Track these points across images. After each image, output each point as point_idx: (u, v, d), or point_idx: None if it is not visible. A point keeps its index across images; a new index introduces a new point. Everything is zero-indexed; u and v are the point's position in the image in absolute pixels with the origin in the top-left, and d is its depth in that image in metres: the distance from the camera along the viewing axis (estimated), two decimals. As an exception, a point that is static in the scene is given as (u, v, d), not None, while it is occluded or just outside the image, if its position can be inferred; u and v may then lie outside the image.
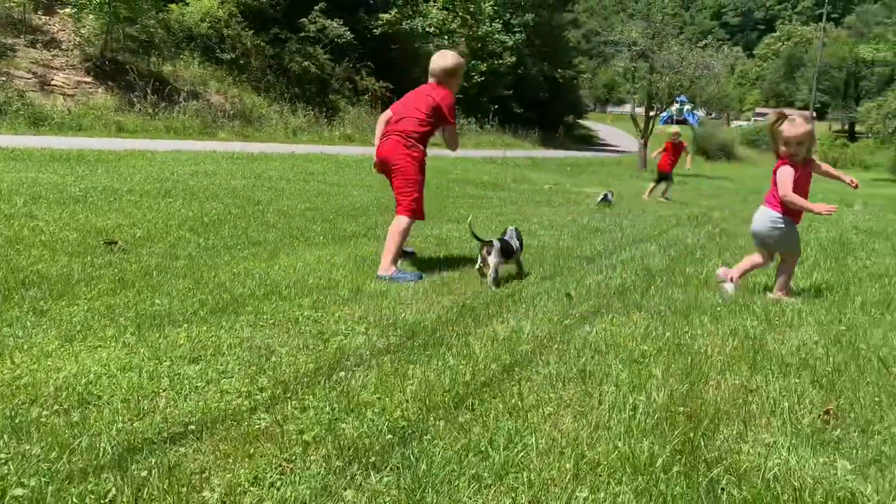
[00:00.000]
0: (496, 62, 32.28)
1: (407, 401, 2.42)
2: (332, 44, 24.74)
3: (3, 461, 1.88)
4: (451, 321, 3.46)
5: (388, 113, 4.88)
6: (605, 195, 10.01)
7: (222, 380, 2.55)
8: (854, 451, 2.13)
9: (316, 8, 24.22)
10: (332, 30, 24.49)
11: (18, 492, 1.73)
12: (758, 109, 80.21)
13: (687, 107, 56.02)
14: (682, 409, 2.39)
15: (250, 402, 2.36)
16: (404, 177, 4.64)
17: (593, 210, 9.39)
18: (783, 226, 4.16)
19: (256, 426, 2.17)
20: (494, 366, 2.81)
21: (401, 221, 4.63)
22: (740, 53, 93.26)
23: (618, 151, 36.80)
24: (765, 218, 4.23)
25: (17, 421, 2.12)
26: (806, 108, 71.20)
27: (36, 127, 13.83)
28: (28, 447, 1.96)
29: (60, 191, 6.95)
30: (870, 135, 37.42)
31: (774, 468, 1.98)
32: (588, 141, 49.37)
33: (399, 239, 4.57)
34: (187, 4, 20.35)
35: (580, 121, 55.46)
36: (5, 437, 2.02)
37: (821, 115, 73.01)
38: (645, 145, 21.44)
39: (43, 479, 1.78)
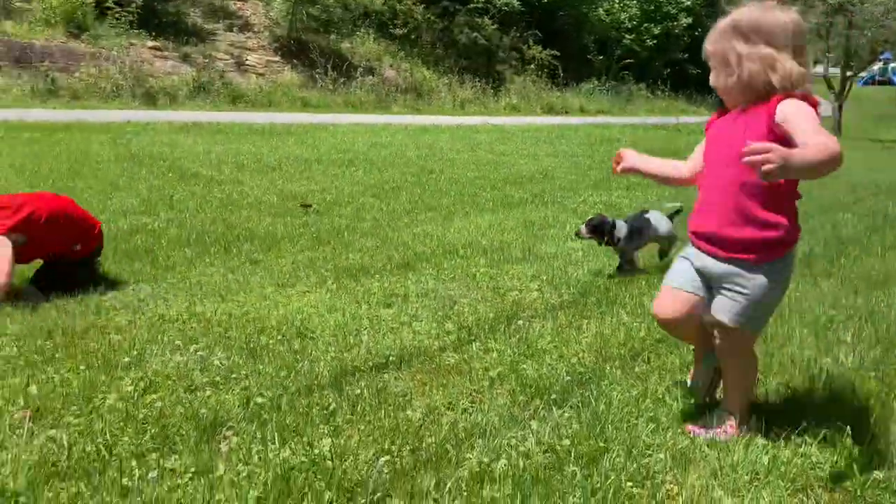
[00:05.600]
0: (670, 24, 30.65)
1: (583, 351, 2.55)
2: (499, 13, 24.79)
3: (245, 376, 2.26)
4: (624, 282, 3.51)
5: None
6: None
7: (413, 322, 2.84)
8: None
9: (484, -23, 24.30)
10: (499, -1, 24.51)
11: (259, 400, 2.08)
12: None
13: (892, 65, 49.46)
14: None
15: (440, 343, 2.62)
16: None
17: None
18: None
19: (447, 362, 2.42)
20: (669, 324, 2.84)
21: None
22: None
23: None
24: None
25: (251, 346, 2.53)
26: None
27: (234, 103, 15.34)
28: (262, 367, 2.34)
29: (259, 160, 7.74)
30: None
31: None
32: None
33: None
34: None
35: (762, 84, 51.37)
36: (244, 357, 2.42)
37: None
38: (840, 109, 19.38)
39: (276, 392, 2.13)
